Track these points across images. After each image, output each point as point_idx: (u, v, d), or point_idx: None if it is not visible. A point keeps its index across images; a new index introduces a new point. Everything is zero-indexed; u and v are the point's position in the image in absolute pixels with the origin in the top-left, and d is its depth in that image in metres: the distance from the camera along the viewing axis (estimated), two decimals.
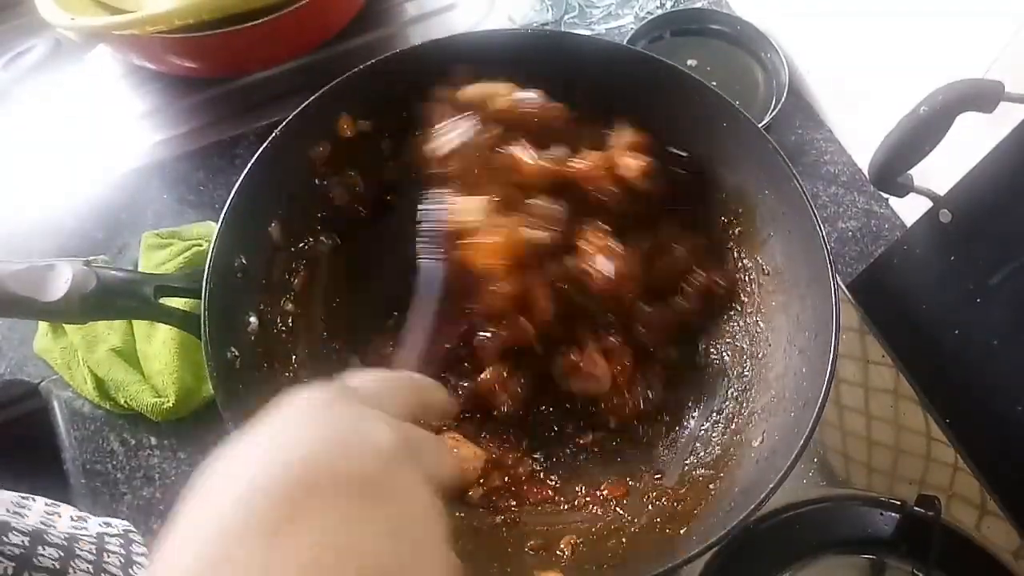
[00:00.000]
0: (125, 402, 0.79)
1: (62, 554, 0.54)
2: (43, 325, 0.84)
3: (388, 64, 0.70)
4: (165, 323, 0.64)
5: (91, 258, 0.84)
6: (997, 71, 0.68)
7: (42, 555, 0.52)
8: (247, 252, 0.65)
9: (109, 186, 0.95)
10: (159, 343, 0.80)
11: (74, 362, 0.81)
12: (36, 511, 0.60)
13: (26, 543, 0.52)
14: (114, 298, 0.61)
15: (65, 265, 0.59)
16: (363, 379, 0.41)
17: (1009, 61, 0.70)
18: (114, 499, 0.77)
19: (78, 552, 0.56)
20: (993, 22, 0.71)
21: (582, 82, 0.74)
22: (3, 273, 0.58)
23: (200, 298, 0.60)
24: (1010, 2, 0.69)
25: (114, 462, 0.79)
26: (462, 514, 0.67)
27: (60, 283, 0.58)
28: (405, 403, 0.41)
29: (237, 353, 0.61)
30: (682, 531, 0.61)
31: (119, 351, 0.80)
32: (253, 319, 0.65)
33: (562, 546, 0.64)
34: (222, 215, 0.63)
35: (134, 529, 0.66)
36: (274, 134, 0.66)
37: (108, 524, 0.65)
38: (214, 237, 0.62)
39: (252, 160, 0.65)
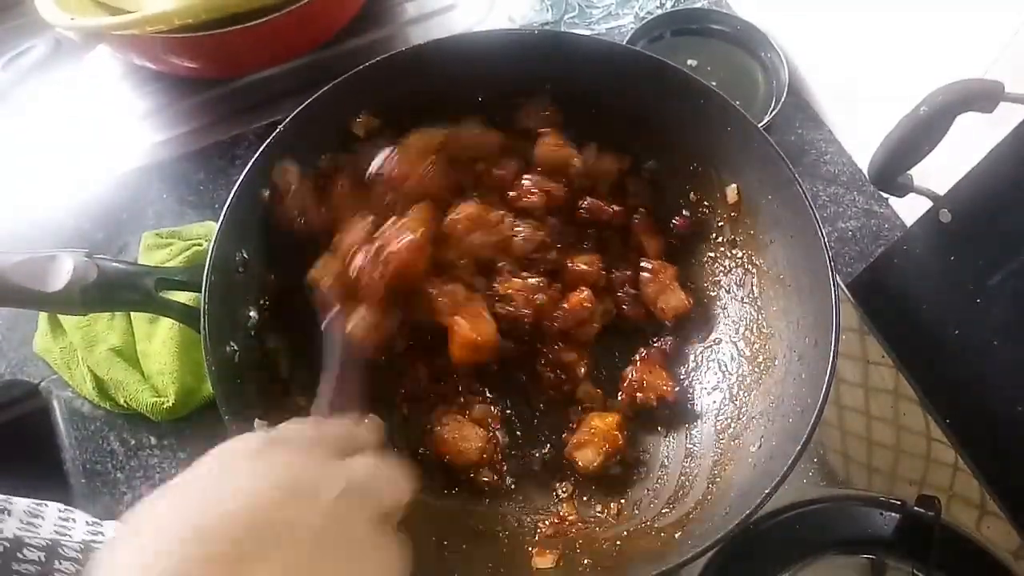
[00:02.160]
0: (125, 402, 0.79)
1: (78, 568, 0.54)
2: (43, 325, 0.84)
3: (390, 63, 0.70)
4: (165, 316, 0.65)
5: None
6: (997, 71, 0.68)
7: (58, 570, 0.52)
8: (249, 246, 0.65)
9: (109, 186, 0.95)
10: (159, 343, 0.80)
11: (74, 362, 0.81)
12: (50, 519, 0.59)
13: (42, 559, 0.52)
14: (115, 290, 0.61)
15: (67, 256, 0.60)
16: (288, 428, 0.42)
17: (1009, 61, 0.70)
18: (114, 499, 0.77)
19: (57, 564, 0.55)
20: (993, 22, 0.71)
21: (581, 82, 0.74)
22: (5, 264, 0.58)
23: (201, 292, 0.60)
24: (1010, 2, 0.69)
25: (114, 462, 0.79)
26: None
27: (62, 274, 0.59)
28: (335, 445, 0.41)
29: (236, 348, 0.61)
30: (677, 535, 0.61)
31: (119, 351, 0.80)
32: (253, 314, 0.65)
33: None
34: (225, 207, 0.63)
35: None
36: (280, 127, 0.66)
37: (97, 524, 0.64)
38: (216, 229, 0.62)
39: (256, 154, 0.65)
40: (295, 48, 1.00)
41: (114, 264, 0.62)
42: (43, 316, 0.84)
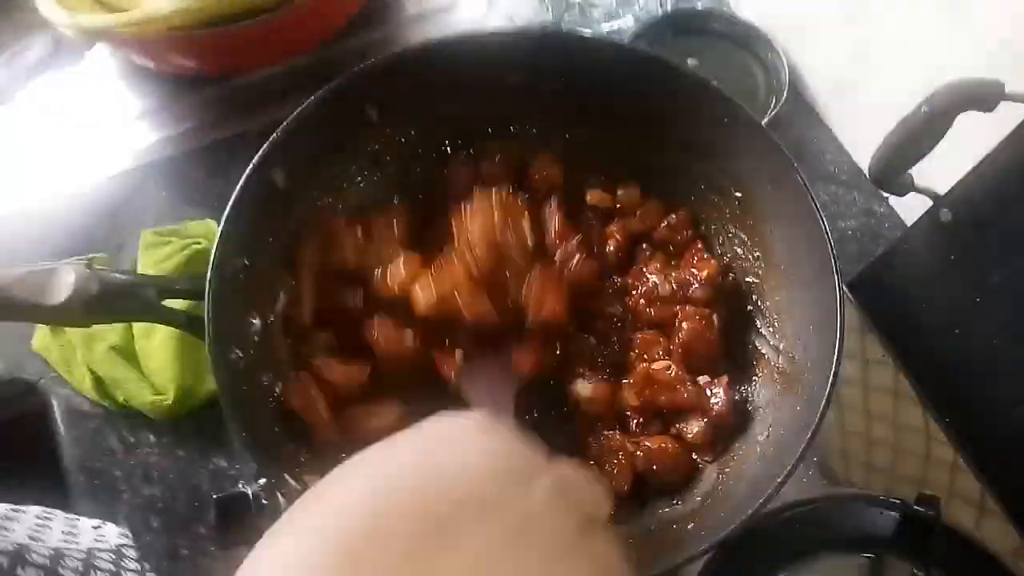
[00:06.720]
0: (124, 400, 0.79)
1: (43, 574, 0.52)
2: None
3: (392, 62, 0.70)
4: (168, 325, 0.64)
5: (92, 256, 0.84)
6: (997, 71, 0.68)
7: None
8: (250, 253, 0.65)
9: (108, 185, 0.95)
10: (158, 341, 0.80)
11: (73, 360, 0.81)
12: (26, 523, 0.58)
13: (3, 564, 0.51)
14: (117, 301, 0.61)
15: (67, 269, 0.59)
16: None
17: (1009, 61, 0.70)
18: (113, 498, 0.77)
19: (61, 572, 0.54)
20: (993, 22, 0.71)
21: (582, 82, 0.74)
22: (6, 279, 0.58)
23: (203, 299, 0.59)
24: (1010, 2, 0.69)
25: (113, 460, 0.79)
26: None
27: (62, 287, 0.58)
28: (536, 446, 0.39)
29: (241, 354, 0.61)
30: (690, 527, 0.61)
31: (118, 349, 0.80)
32: (256, 320, 0.65)
33: None
34: (225, 215, 0.62)
35: (129, 540, 0.65)
36: (276, 133, 0.65)
37: (101, 538, 0.63)
38: (216, 237, 0.61)
39: (254, 160, 0.64)
40: (295, 47, 1.00)
41: (115, 275, 0.61)
42: None
